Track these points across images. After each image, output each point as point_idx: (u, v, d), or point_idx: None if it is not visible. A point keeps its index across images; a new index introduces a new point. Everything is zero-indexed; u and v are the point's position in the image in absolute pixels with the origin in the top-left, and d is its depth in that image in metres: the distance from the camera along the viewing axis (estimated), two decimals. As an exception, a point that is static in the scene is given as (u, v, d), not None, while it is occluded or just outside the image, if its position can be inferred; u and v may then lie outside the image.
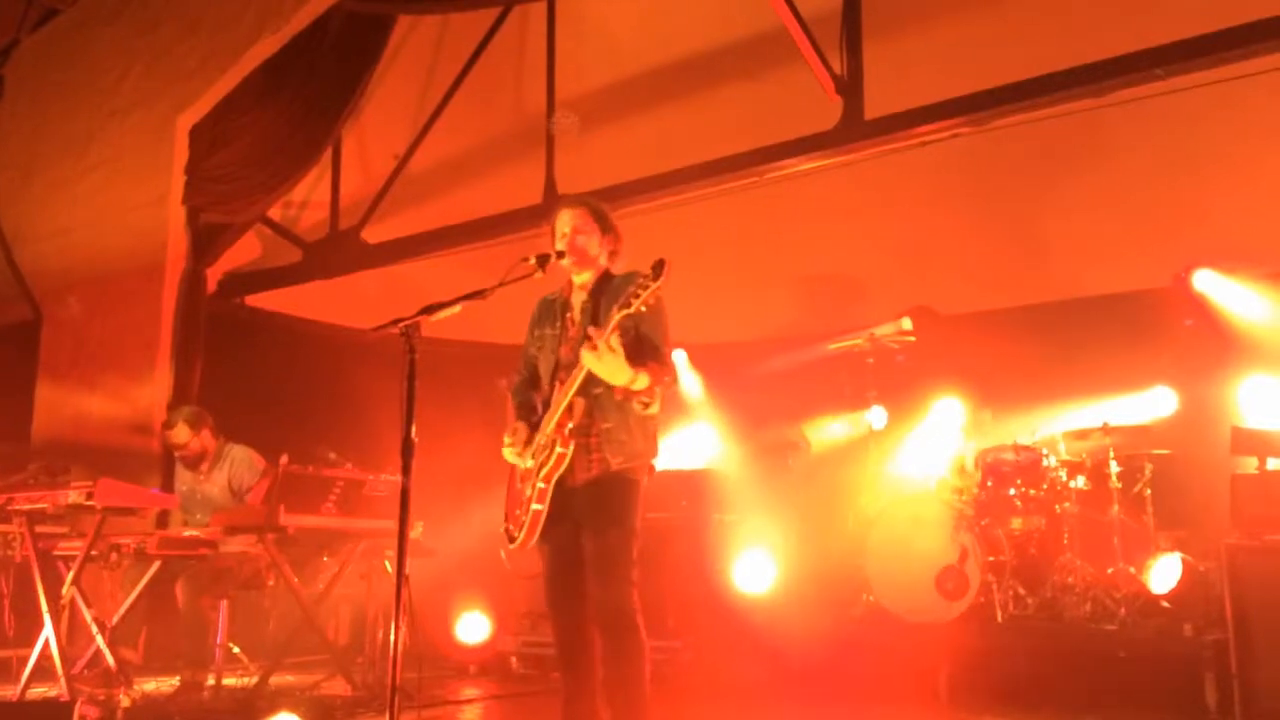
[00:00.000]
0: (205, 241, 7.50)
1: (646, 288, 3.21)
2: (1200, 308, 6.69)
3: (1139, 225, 6.90)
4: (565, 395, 3.46)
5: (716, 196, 6.54)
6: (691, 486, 6.67)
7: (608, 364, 3.31)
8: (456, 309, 3.45)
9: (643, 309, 3.27)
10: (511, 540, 3.61)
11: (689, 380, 8.14)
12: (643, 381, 3.39)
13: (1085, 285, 7.18)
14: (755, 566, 6.29)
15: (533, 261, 3.56)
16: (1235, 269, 6.67)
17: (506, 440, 3.67)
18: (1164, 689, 4.96)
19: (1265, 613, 4.66)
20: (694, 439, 8.01)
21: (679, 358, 7.82)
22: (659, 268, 3.21)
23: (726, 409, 8.09)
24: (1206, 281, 6.72)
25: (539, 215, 6.47)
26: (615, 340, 3.29)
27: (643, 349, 3.40)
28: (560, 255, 3.61)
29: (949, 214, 7.44)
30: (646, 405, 3.48)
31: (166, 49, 7.79)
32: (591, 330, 3.35)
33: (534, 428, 3.65)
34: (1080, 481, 5.91)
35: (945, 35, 6.73)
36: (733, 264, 7.91)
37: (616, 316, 3.27)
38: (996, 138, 5.94)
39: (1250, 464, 5.49)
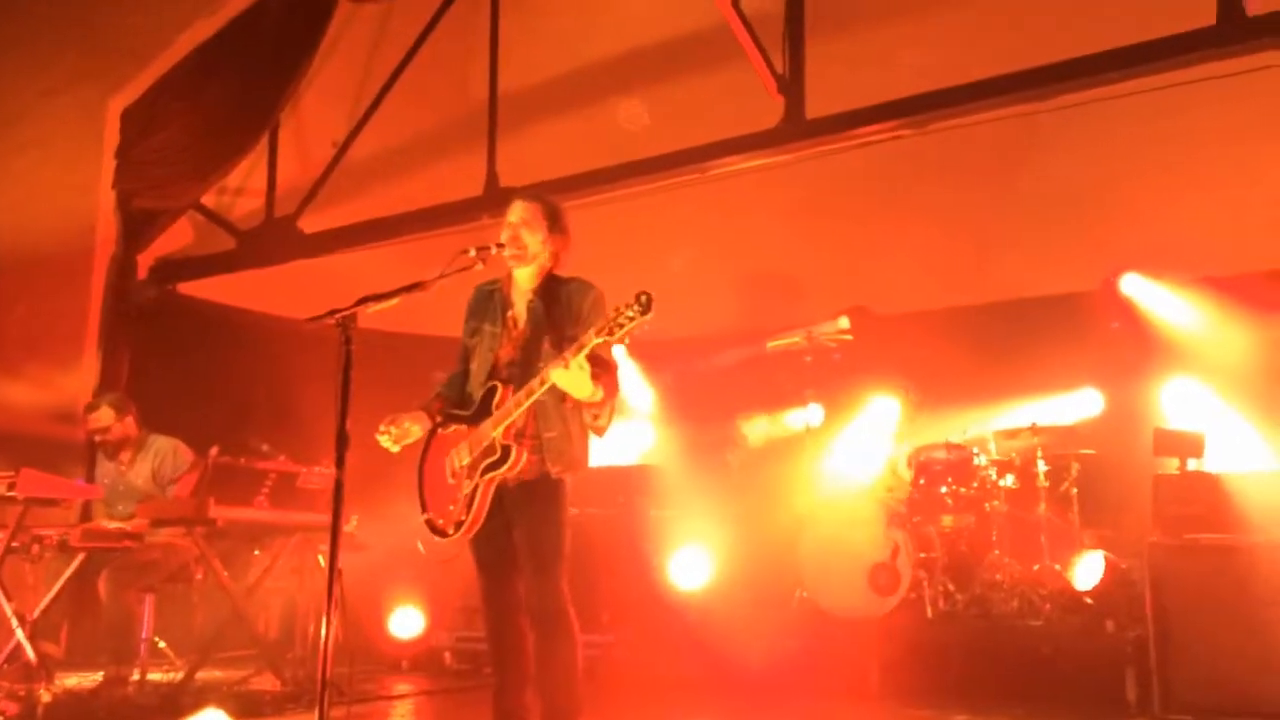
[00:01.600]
0: (136, 227, 7.33)
1: (633, 319, 3.18)
2: (1127, 311, 6.86)
3: (1072, 229, 7.03)
4: (523, 404, 3.44)
5: (658, 192, 6.54)
6: (629, 482, 6.69)
7: (575, 380, 3.30)
8: (394, 301, 3.42)
9: (625, 340, 3.26)
10: (440, 534, 3.58)
11: (628, 376, 8.14)
12: (599, 395, 3.39)
13: (1019, 287, 7.33)
14: (691, 562, 6.33)
15: (473, 254, 3.53)
16: (1161, 274, 6.85)
17: (394, 430, 3.57)
18: (1086, 684, 5.09)
19: (1184, 610, 4.78)
20: (632, 434, 8.02)
21: (618, 352, 7.82)
22: (647, 304, 3.18)
23: (665, 405, 8.12)
24: (1133, 286, 6.90)
25: (480, 207, 6.44)
26: (584, 359, 3.28)
27: (595, 365, 3.39)
28: (500, 247, 3.59)
29: (888, 214, 7.53)
30: (597, 418, 3.52)
31: (101, 30, 7.58)
32: (566, 353, 3.30)
33: (451, 419, 3.63)
34: (1009, 480, 6.04)
35: (887, 37, 6.81)
36: (674, 260, 7.92)
37: (594, 340, 3.24)
38: (936, 140, 6.01)
39: (1172, 465, 5.65)
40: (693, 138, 6.08)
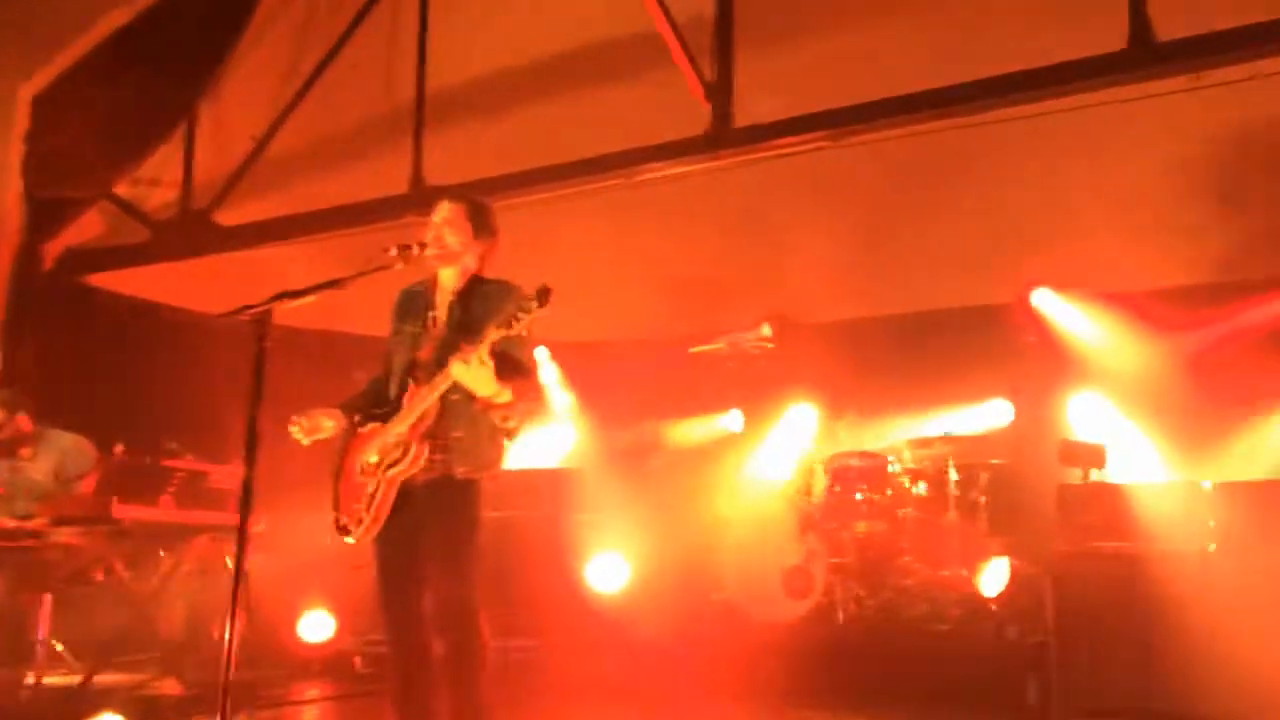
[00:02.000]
0: (44, 217, 7.09)
1: (530, 311, 3.17)
2: (1039, 325, 7.07)
3: (989, 243, 7.19)
4: (425, 399, 3.41)
5: (584, 195, 6.54)
6: (549, 485, 6.69)
7: (477, 376, 3.28)
8: (311, 298, 3.36)
9: (523, 333, 3.25)
10: (345, 533, 3.54)
11: (550, 378, 8.13)
12: (506, 396, 3.37)
13: (937, 299, 7.48)
14: (610, 566, 6.34)
15: (394, 252, 3.49)
16: (1070, 290, 7.06)
17: (304, 423, 3.55)
18: (989, 687, 5.21)
19: (1085, 616, 4.92)
20: (553, 437, 8.01)
21: (540, 354, 7.82)
22: (545, 296, 3.17)
23: (587, 408, 8.13)
24: (1045, 300, 7.10)
25: (406, 206, 6.37)
26: (486, 354, 3.26)
27: (505, 366, 3.37)
28: (423, 247, 3.55)
29: (812, 224, 7.61)
30: (507, 419, 3.48)
31: (12, 16, 7.31)
32: (465, 346, 3.29)
33: (370, 418, 3.59)
34: (921, 488, 6.19)
35: (814, 49, 6.89)
36: (598, 263, 7.92)
37: (493, 335, 3.22)
38: (859, 152, 6.12)
39: (1076, 475, 5.84)
40: (620, 142, 6.09)
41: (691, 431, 7.83)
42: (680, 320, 8.05)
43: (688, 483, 7.27)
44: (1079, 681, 4.86)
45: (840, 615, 5.76)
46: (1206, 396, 6.47)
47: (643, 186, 6.38)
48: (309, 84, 7.20)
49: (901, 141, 5.79)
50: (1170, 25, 4.77)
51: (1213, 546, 5.07)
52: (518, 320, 3.18)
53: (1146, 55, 4.81)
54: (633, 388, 7.98)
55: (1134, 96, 5.21)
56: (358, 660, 6.40)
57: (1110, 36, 4.87)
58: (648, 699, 5.48)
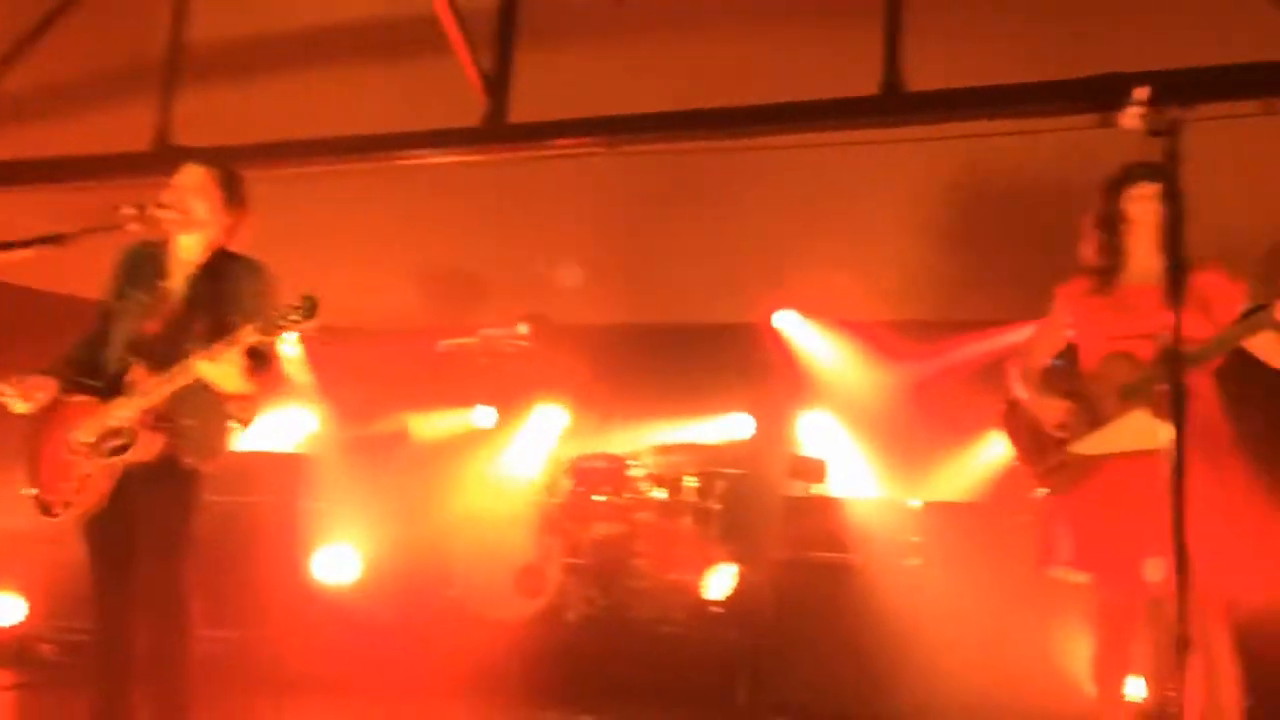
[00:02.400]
0: None
1: (295, 324, 3.03)
2: (781, 345, 7.45)
3: (742, 264, 7.50)
4: (159, 390, 3.19)
5: (343, 175, 6.33)
6: (281, 470, 6.39)
7: (224, 374, 3.10)
8: (28, 252, 3.09)
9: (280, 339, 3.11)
10: (48, 512, 3.27)
11: (291, 359, 7.79)
12: (248, 389, 3.21)
13: (689, 312, 7.72)
14: (339, 557, 6.15)
15: (129, 211, 3.26)
16: (813, 314, 7.49)
17: (9, 391, 3.30)
18: (706, 687, 5.39)
19: (799, 621, 5.21)
20: (289, 420, 7.68)
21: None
22: (312, 309, 3.04)
23: (331, 394, 7.85)
24: (788, 322, 7.50)
25: (148, 165, 5.93)
26: (237, 354, 3.09)
27: (248, 358, 3.20)
28: (161, 207, 3.33)
29: (578, 227, 7.69)
30: (244, 409, 3.32)
31: None
32: (217, 345, 3.10)
33: (80, 388, 3.34)
34: (660, 493, 6.36)
35: (596, 54, 6.96)
36: (353, 246, 7.68)
37: (250, 338, 3.06)
38: (630, 162, 6.23)
39: (802, 488, 6.20)
40: (387, 124, 5.94)
41: (438, 425, 7.71)
42: (436, 311, 7.94)
43: (431, 477, 7.15)
44: (787, 683, 5.13)
45: (571, 615, 5.84)
46: (922, 422, 7.02)
47: (408, 173, 6.25)
48: (49, 20, 6.59)
49: (672, 156, 5.96)
50: (921, 78, 5.16)
51: (917, 561, 5.52)
52: (279, 330, 3.04)
53: (896, 103, 5.17)
54: (380, 377, 7.77)
55: (882, 140, 5.61)
56: (48, 647, 5.90)
57: (864, 81, 5.23)
58: (365, 697, 5.35)
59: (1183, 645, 2.28)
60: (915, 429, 7.02)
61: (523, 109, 5.74)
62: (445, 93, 5.91)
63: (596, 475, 6.33)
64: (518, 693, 5.42)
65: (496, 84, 5.76)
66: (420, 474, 7.26)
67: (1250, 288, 3.05)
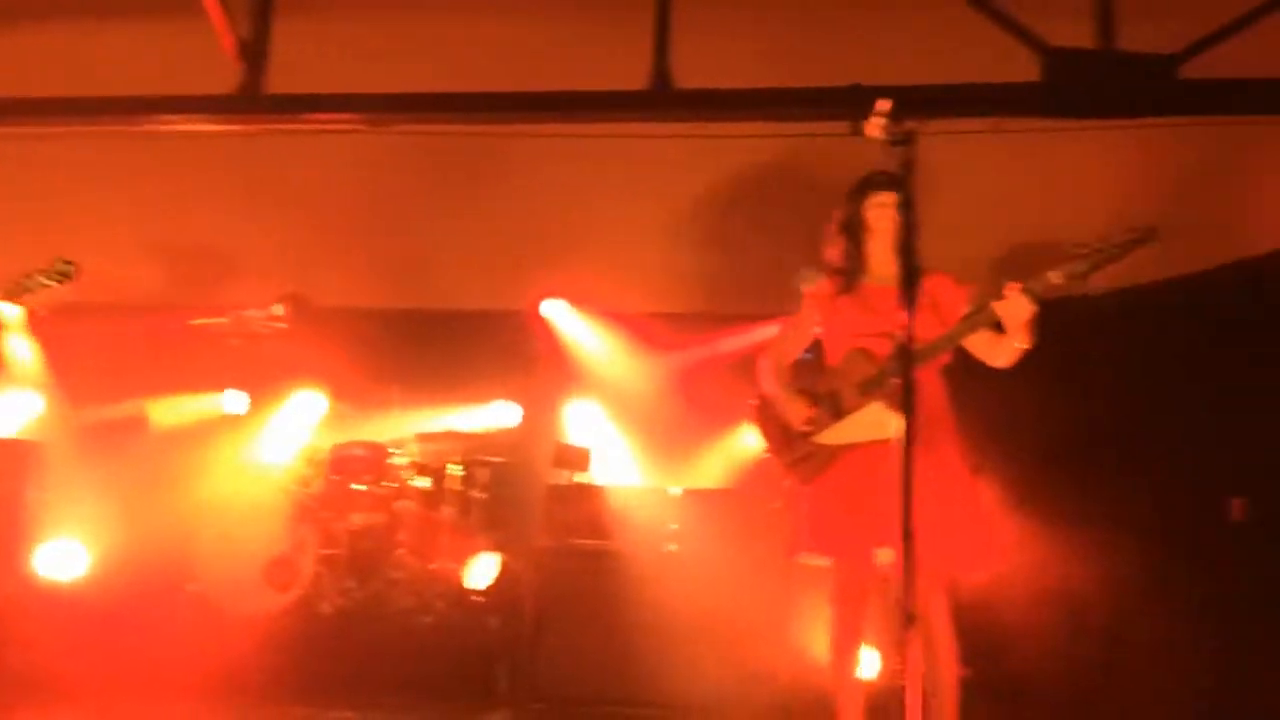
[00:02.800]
0: None
1: (47, 287, 2.73)
2: (549, 334, 7.47)
3: (512, 251, 7.44)
4: None
5: (89, 138, 5.83)
6: (3, 457, 5.85)
7: None
8: None
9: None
10: None
11: (17, 340, 7.11)
12: None
13: (456, 298, 7.60)
14: (68, 550, 5.69)
15: None
16: (580, 304, 7.54)
17: None
18: (466, 676, 5.38)
19: (560, 608, 5.25)
20: (13, 404, 7.01)
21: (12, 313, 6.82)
22: (67, 272, 2.74)
23: (61, 375, 7.21)
24: (557, 311, 7.53)
25: None
26: None
27: None
28: None
29: (342, 205, 7.41)
30: None
31: None
32: None
33: None
34: (423, 481, 6.25)
35: (364, 28, 6.71)
36: (93, 215, 7.10)
37: None
38: (399, 141, 6.06)
39: (566, 476, 6.23)
40: (132, 86, 5.50)
41: (183, 410, 7.25)
42: (183, 290, 7.45)
43: (174, 466, 6.71)
44: (548, 670, 5.16)
45: (326, 608, 5.65)
46: (683, 412, 7.22)
47: (158, 141, 5.83)
48: None
49: (440, 138, 5.83)
50: (692, 77, 5.28)
51: (674, 547, 5.67)
52: (28, 292, 2.75)
53: (664, 99, 5.27)
54: (118, 358, 7.21)
55: (653, 134, 5.71)
56: None
57: (633, 76, 5.30)
58: (96, 698, 4.97)
59: (907, 620, 2.43)
60: (676, 419, 7.21)
61: (282, 80, 5.47)
62: (201, 58, 5.55)
63: (355, 463, 6.15)
64: (266, 690, 5.19)
65: (253, 52, 5.46)
66: (161, 462, 6.80)
67: (975, 292, 3.30)
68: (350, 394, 6.72)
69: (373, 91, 5.46)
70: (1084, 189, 6.03)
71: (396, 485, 6.17)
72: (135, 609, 5.55)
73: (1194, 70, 4.87)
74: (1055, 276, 2.94)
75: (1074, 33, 4.95)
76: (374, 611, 5.73)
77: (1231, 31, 4.85)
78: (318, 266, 7.49)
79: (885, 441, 2.49)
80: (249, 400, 6.60)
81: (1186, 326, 6.60)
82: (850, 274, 3.43)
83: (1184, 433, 6.48)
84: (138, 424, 7.10)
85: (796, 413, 3.37)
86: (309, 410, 6.57)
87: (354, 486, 6.09)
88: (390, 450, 6.21)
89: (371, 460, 6.16)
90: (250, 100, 5.46)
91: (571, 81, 5.33)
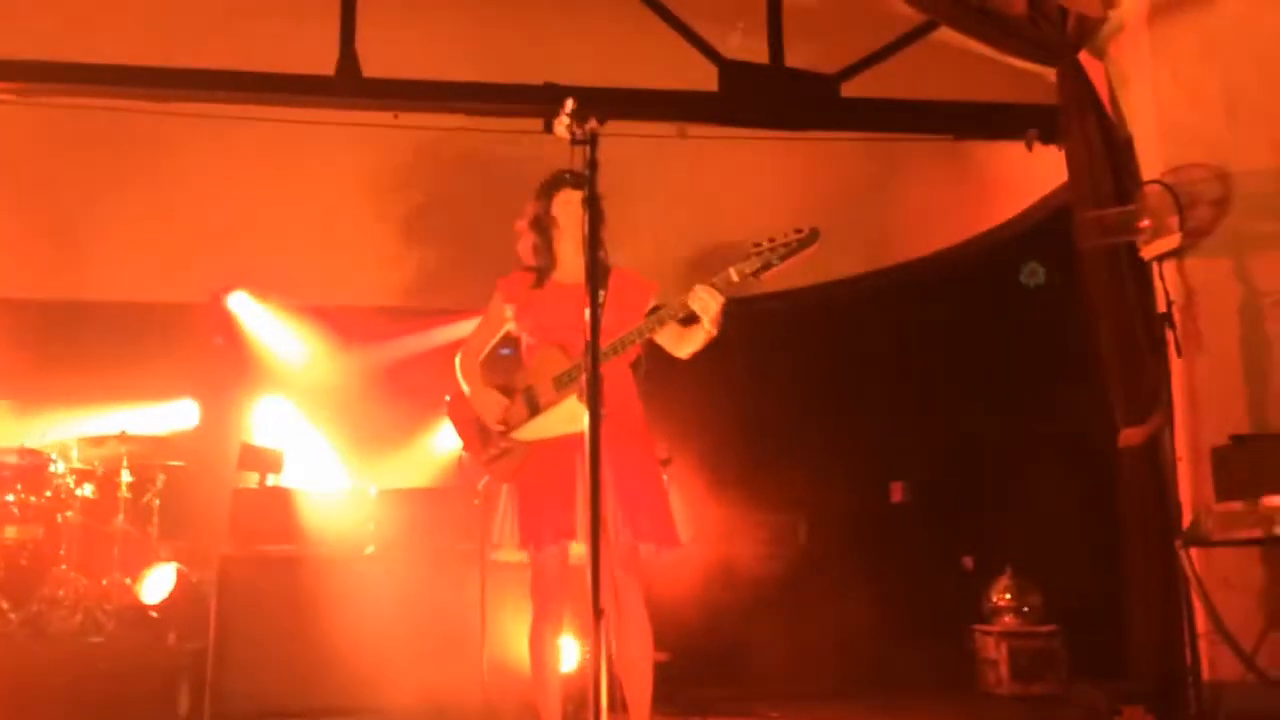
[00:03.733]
0: None
1: None
2: (231, 327, 7.05)
3: (187, 239, 6.96)
4: None
5: None
6: None
7: None
8: None
9: None
10: None
11: None
12: None
13: (124, 290, 7.03)
14: None
15: None
16: (268, 296, 7.17)
17: None
18: (144, 699, 4.96)
19: (246, 620, 4.95)
20: None
21: None
22: None
23: None
24: (240, 304, 7.12)
25: None
26: None
27: None
28: None
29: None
30: None
31: None
32: None
33: None
34: (88, 490, 5.75)
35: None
36: None
37: None
38: (48, 116, 5.49)
39: (254, 479, 5.91)
40: None
41: None
42: None
43: None
44: (233, 686, 4.86)
45: (-28, 633, 5.04)
46: (383, 409, 7.05)
47: None
48: None
49: (100, 114, 5.34)
50: (378, 66, 5.17)
51: (371, 549, 5.52)
52: None
53: (351, 85, 5.14)
54: None
55: (341, 121, 5.52)
56: None
57: (322, 61, 5.12)
58: None
59: (598, 610, 2.50)
60: (376, 416, 7.03)
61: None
62: None
63: (9, 472, 5.53)
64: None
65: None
66: None
67: (659, 288, 3.44)
68: (1, 394, 6.04)
69: (26, 58, 4.95)
70: (760, 194, 6.45)
71: (57, 495, 5.60)
72: None
73: (854, 90, 5.35)
74: (735, 274, 3.11)
75: (750, 48, 5.30)
76: (33, 634, 5.18)
77: (885, 55, 5.37)
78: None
79: (581, 434, 2.54)
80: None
81: (855, 325, 7.26)
82: (542, 270, 3.47)
83: (851, 422, 7.11)
84: None
85: (491, 410, 3.38)
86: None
87: (6, 498, 5.47)
88: (50, 456, 5.63)
89: (27, 468, 5.55)
90: None
91: (257, 62, 5.08)
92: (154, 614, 5.42)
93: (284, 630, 4.95)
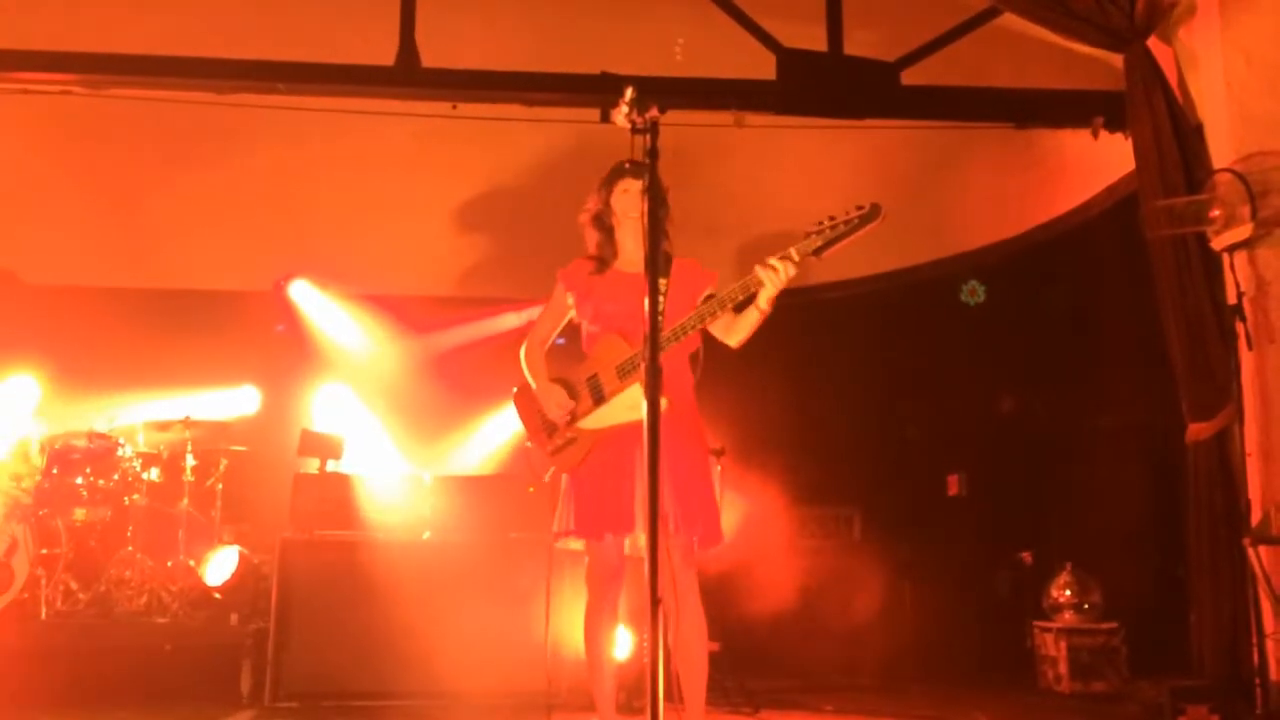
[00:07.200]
0: None
1: None
2: (292, 315, 7.15)
3: (250, 228, 7.08)
4: None
5: None
6: None
7: None
8: None
9: None
10: None
11: None
12: None
13: (188, 278, 7.16)
14: None
15: None
16: (328, 285, 7.26)
17: None
18: (205, 678, 5.09)
19: (305, 602, 5.03)
20: None
21: None
22: None
23: None
24: (301, 292, 7.21)
25: None
26: None
27: None
28: None
29: (52, 174, 6.78)
30: None
31: None
32: None
33: None
34: (154, 474, 5.87)
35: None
36: None
37: None
38: (118, 108, 5.61)
39: (314, 464, 5.99)
40: None
41: None
42: None
43: None
44: (292, 667, 4.95)
45: (44, 612, 5.19)
46: (440, 397, 7.10)
47: None
48: None
49: (167, 107, 5.43)
50: (437, 56, 5.19)
51: (427, 534, 5.57)
52: None
53: (411, 75, 5.16)
54: None
55: (401, 112, 5.57)
56: None
57: (381, 51, 5.15)
58: None
59: (655, 598, 2.50)
60: (433, 403, 7.09)
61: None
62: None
63: (79, 456, 5.68)
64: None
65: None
66: None
67: (718, 277, 3.41)
68: (72, 380, 6.18)
69: (92, 50, 5.04)
70: (818, 184, 6.38)
71: (125, 478, 5.73)
72: None
73: (915, 77, 5.26)
74: (796, 252, 3.07)
75: (809, 35, 5.23)
76: (100, 614, 5.33)
77: (946, 41, 5.28)
78: (28, 240, 6.85)
79: (642, 422, 2.53)
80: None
81: (912, 316, 7.18)
82: (603, 260, 3.47)
83: (907, 413, 7.03)
84: None
85: (555, 403, 3.38)
86: (21, 397, 5.98)
87: (75, 480, 5.62)
88: (117, 441, 5.76)
89: (95, 452, 5.70)
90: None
91: (318, 54, 5.13)
92: (217, 595, 5.54)
93: (343, 612, 5.03)
